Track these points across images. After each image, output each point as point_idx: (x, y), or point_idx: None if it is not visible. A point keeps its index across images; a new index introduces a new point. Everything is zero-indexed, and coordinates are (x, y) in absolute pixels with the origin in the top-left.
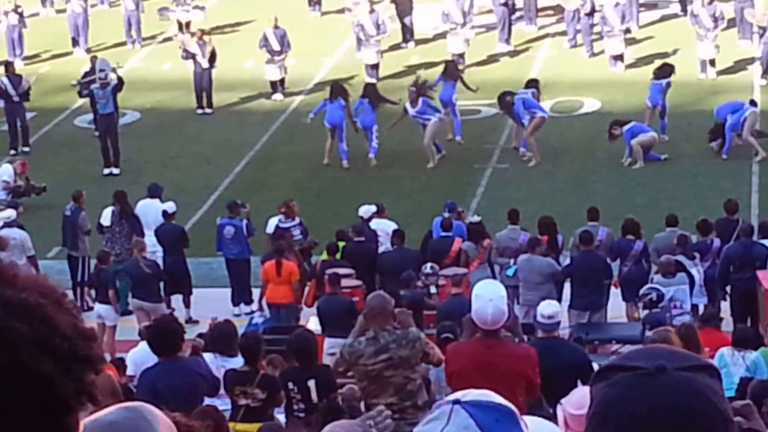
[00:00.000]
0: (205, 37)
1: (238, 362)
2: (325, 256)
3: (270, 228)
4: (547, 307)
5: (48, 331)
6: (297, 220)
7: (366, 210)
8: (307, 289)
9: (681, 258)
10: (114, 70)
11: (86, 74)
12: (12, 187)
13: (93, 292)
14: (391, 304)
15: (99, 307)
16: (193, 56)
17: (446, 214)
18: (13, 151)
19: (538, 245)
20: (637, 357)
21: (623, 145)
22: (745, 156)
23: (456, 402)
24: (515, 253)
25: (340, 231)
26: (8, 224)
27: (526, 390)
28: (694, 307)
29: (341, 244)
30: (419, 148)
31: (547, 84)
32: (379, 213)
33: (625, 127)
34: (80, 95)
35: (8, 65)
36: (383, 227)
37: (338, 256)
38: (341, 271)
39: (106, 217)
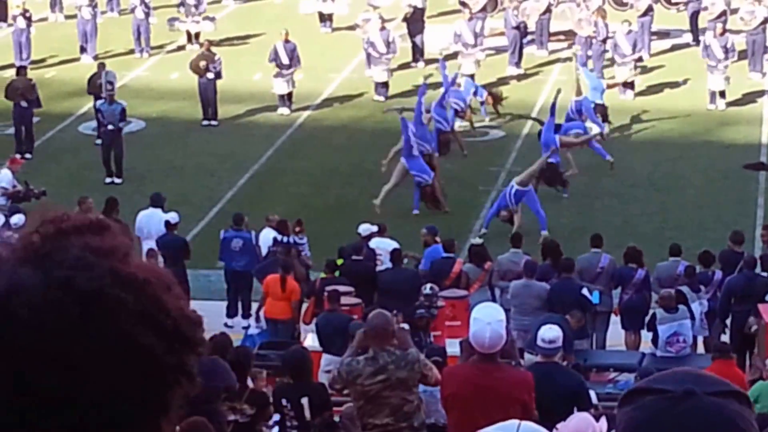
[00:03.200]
0: (212, 49)
1: None
2: (324, 273)
3: (265, 241)
4: (548, 332)
5: (153, 306)
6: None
7: (365, 228)
8: (305, 306)
9: (685, 289)
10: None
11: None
12: (11, 192)
13: None
14: (392, 324)
15: None
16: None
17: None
18: (18, 155)
19: (534, 270)
20: (665, 380)
21: (631, 172)
22: (750, 189)
23: None
24: (517, 277)
25: (341, 248)
26: (15, 230)
27: (521, 415)
28: (694, 339)
29: (339, 261)
30: None
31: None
32: (380, 232)
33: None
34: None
35: (19, 70)
36: (384, 246)
37: (337, 273)
38: (341, 288)
39: None
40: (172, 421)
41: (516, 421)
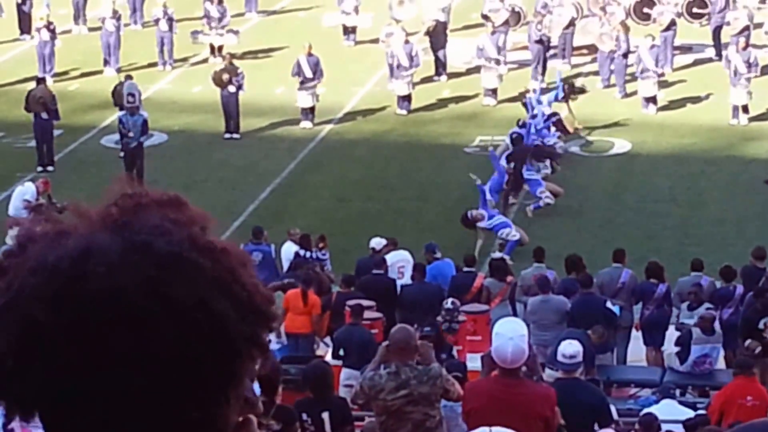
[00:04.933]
0: (235, 62)
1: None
2: (340, 288)
3: (286, 255)
4: (569, 347)
5: (229, 275)
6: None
7: (378, 242)
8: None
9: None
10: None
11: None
12: (33, 206)
13: None
14: (415, 339)
15: None
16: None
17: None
18: (40, 168)
19: (548, 285)
20: None
21: (652, 187)
22: None
23: None
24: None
25: (359, 262)
26: None
27: (543, 431)
28: None
29: None
30: (445, 181)
31: (579, 123)
32: (394, 245)
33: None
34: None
35: (39, 81)
36: (406, 257)
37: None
38: (364, 302)
39: None
40: (241, 396)
41: None
